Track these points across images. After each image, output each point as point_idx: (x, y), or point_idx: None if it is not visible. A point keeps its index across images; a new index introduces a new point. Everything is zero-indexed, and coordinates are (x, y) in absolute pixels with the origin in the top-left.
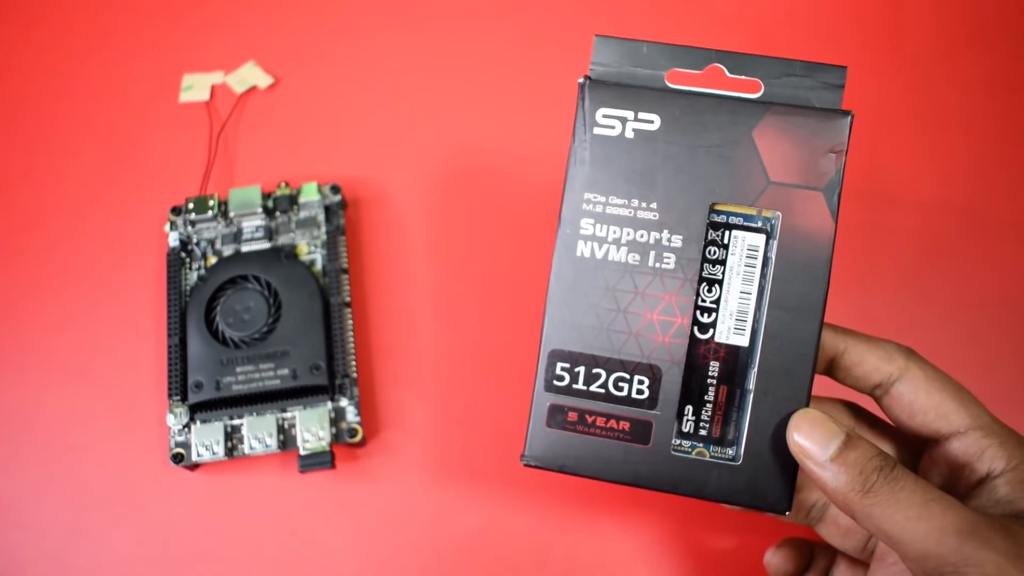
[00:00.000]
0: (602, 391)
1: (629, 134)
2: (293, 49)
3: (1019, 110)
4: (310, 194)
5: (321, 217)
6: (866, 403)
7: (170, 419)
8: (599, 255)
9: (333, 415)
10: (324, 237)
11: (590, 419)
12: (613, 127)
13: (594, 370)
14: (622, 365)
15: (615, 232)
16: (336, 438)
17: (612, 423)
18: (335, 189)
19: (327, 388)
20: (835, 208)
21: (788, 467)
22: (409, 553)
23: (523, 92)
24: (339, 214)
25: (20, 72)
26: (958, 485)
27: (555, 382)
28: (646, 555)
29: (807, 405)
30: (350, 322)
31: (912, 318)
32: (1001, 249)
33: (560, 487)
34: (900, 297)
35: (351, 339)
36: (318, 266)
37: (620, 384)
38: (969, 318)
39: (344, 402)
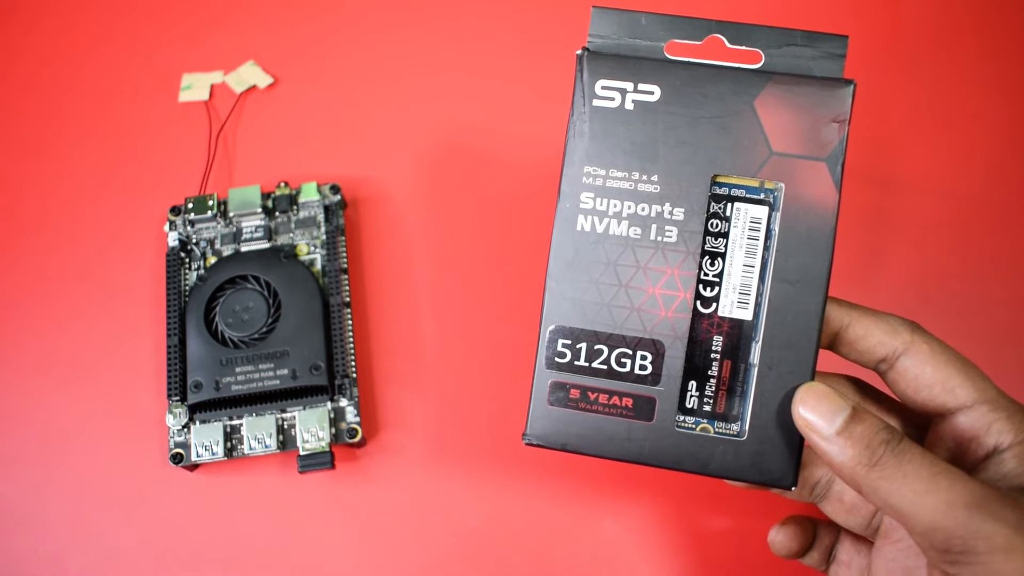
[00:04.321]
0: (604, 367)
1: (629, 105)
2: (293, 49)
3: None
4: (310, 194)
5: (321, 217)
6: (870, 378)
7: (169, 419)
8: (599, 229)
9: (333, 415)
10: (324, 237)
11: (592, 396)
12: (612, 99)
13: (596, 346)
14: (624, 341)
15: (616, 206)
16: (336, 438)
17: (615, 400)
18: (335, 189)
19: (327, 388)
20: (839, 178)
21: (793, 442)
22: (409, 553)
23: (523, 91)
24: (339, 214)
25: (20, 72)
26: (965, 459)
27: (556, 359)
28: (647, 542)
29: (812, 379)
30: (350, 322)
31: (913, 308)
32: (1004, 238)
33: (560, 487)
34: (901, 280)
35: (351, 339)
36: (318, 266)
37: (623, 360)
38: (971, 312)
39: (344, 402)
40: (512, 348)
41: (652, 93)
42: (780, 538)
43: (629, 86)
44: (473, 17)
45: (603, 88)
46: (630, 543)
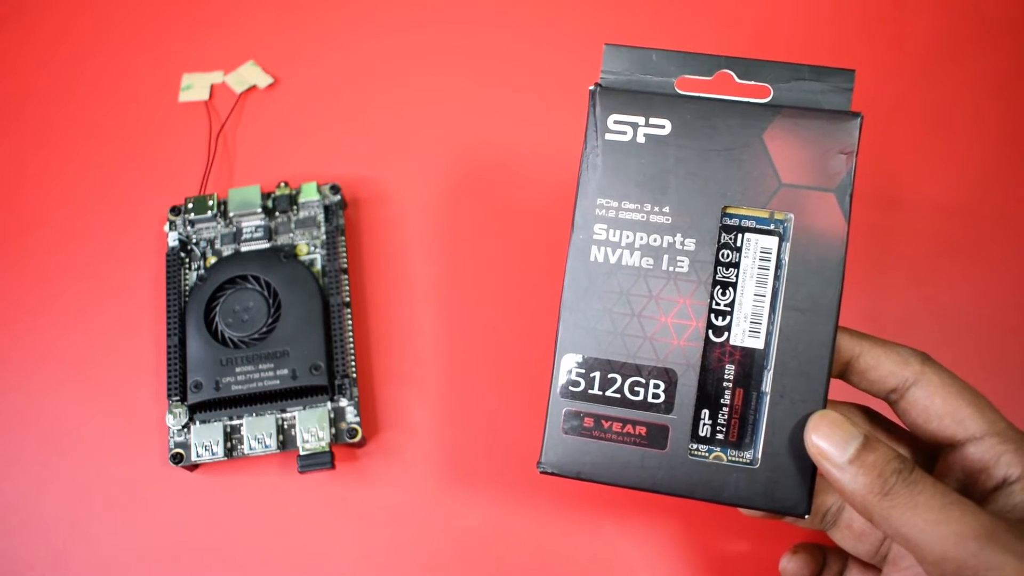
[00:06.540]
0: (618, 396)
1: (640, 139)
2: (293, 49)
3: None
4: (310, 194)
5: (321, 217)
6: (880, 408)
7: (169, 419)
8: (612, 260)
9: (333, 415)
10: (324, 237)
11: (606, 424)
12: (624, 133)
13: (609, 375)
14: (637, 369)
15: (628, 237)
16: (336, 438)
17: (628, 428)
18: (335, 189)
19: (327, 388)
20: (847, 209)
21: (806, 470)
22: (409, 553)
23: (522, 93)
24: (339, 214)
25: (20, 72)
26: (973, 490)
27: (570, 388)
28: (649, 558)
29: (824, 407)
30: (350, 322)
31: (918, 320)
32: (1009, 249)
33: (562, 488)
34: (906, 298)
35: (351, 339)
36: (318, 266)
37: (636, 389)
38: (976, 320)
39: (344, 402)
40: (512, 348)
41: (663, 127)
42: (792, 566)
43: (641, 120)
44: (475, 18)
45: (615, 122)
46: (631, 548)
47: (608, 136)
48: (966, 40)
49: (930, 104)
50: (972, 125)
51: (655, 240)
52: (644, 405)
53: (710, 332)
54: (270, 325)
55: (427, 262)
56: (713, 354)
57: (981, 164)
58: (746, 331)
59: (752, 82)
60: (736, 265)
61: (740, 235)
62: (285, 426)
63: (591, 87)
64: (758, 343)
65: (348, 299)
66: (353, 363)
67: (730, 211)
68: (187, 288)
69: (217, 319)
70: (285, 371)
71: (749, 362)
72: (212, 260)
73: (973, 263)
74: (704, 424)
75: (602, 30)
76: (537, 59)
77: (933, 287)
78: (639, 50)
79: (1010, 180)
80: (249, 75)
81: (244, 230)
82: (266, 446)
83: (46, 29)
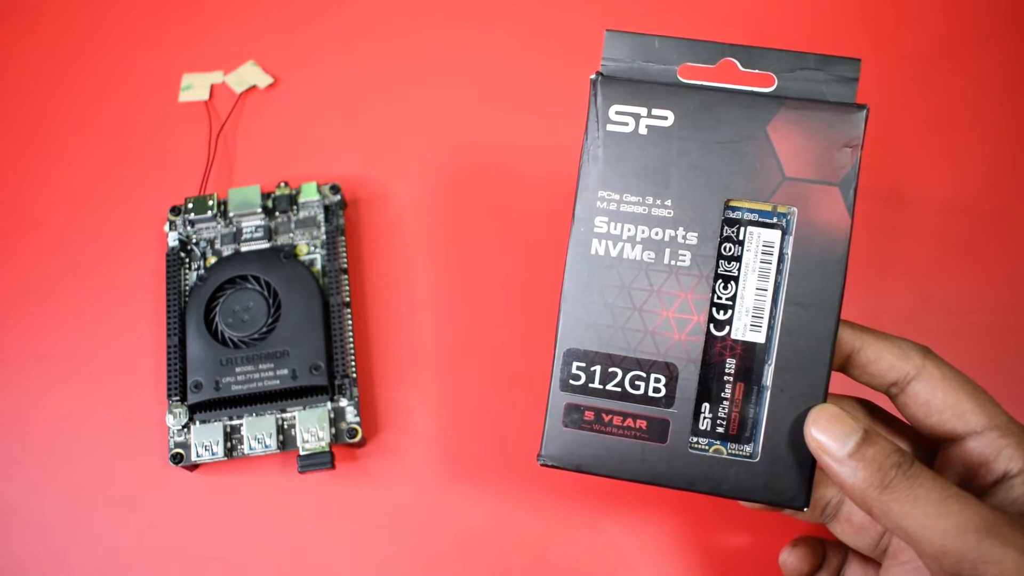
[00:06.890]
0: (618, 390)
1: (643, 130)
2: (293, 49)
3: None
4: (310, 194)
5: (321, 217)
6: (881, 401)
7: (169, 419)
8: (614, 253)
9: (333, 415)
10: (324, 237)
11: (607, 418)
12: (626, 124)
13: (610, 369)
14: (638, 363)
15: (630, 230)
16: (336, 438)
17: (629, 422)
18: (335, 189)
19: (327, 388)
20: (851, 203)
21: (806, 463)
22: (409, 553)
23: (522, 91)
24: (339, 214)
25: (20, 72)
26: (973, 484)
27: (571, 381)
28: (648, 551)
29: (824, 401)
30: (350, 322)
31: (919, 317)
32: (1011, 247)
33: (562, 487)
34: (908, 296)
35: (351, 339)
36: (318, 266)
37: (636, 383)
38: (977, 318)
39: (344, 402)
40: (512, 347)
41: (666, 118)
42: (792, 560)
43: (643, 111)
44: (475, 15)
45: (617, 113)
46: (631, 544)
47: (610, 127)
48: (968, 37)
49: (933, 101)
50: (975, 123)
51: (657, 233)
52: (645, 399)
53: (711, 326)
54: (270, 325)
55: (427, 262)
56: (714, 348)
57: (984, 162)
58: (747, 325)
59: (756, 71)
60: (738, 259)
61: (742, 229)
62: (285, 426)
63: (592, 76)
64: (759, 337)
65: (348, 299)
66: (353, 363)
67: (733, 204)
68: (187, 288)
69: (217, 319)
70: (285, 371)
71: (750, 356)
72: (212, 260)
73: (975, 261)
74: (704, 418)
75: (601, 24)
76: (536, 56)
77: (935, 284)
78: (641, 36)
79: (1013, 178)
80: (249, 75)
81: (244, 230)
82: (266, 446)
83: (46, 28)
